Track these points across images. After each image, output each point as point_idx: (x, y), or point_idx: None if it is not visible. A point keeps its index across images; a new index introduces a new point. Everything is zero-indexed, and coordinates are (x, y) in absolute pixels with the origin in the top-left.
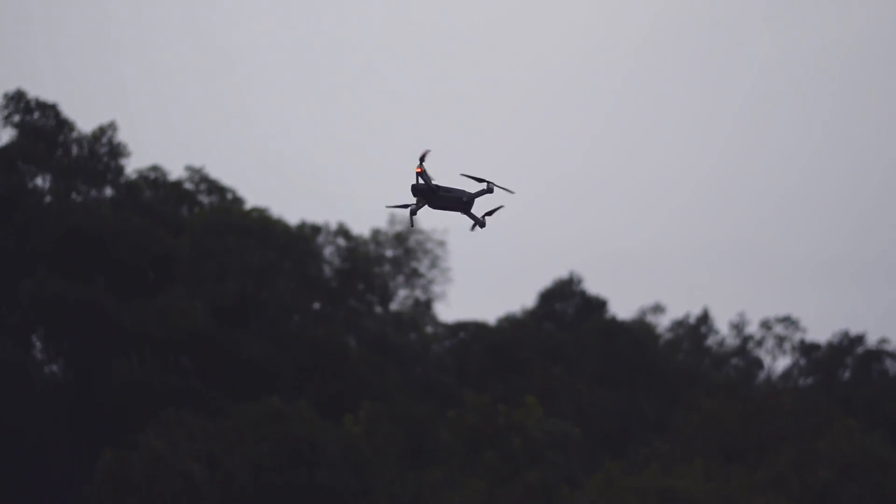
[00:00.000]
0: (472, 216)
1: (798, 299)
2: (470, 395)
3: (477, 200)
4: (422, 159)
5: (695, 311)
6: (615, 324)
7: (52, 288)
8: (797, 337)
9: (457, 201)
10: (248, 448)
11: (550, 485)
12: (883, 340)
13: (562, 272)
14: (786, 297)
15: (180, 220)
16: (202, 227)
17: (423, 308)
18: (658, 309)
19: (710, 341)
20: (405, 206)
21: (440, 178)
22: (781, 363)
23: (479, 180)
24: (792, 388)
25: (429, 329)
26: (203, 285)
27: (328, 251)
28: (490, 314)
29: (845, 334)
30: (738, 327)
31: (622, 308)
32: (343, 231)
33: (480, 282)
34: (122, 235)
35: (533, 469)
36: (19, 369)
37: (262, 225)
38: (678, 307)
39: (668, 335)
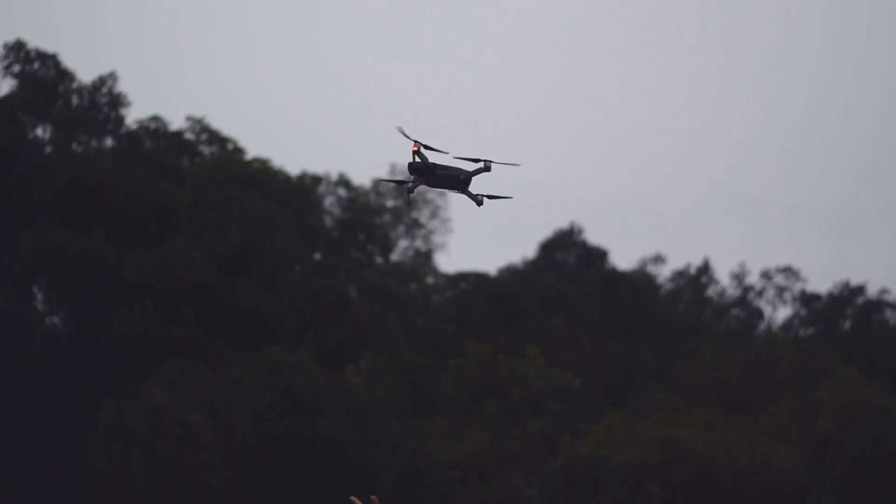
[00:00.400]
0: (470, 194)
1: (799, 250)
2: (471, 345)
3: (476, 178)
4: (416, 143)
5: (695, 262)
6: (616, 274)
7: (52, 238)
8: (798, 287)
9: (454, 179)
10: (250, 398)
11: (551, 434)
12: (884, 291)
13: (562, 223)
14: (786, 247)
15: (181, 170)
16: (203, 178)
17: (424, 259)
18: (658, 259)
19: (711, 292)
20: (401, 183)
21: (441, 143)
22: (782, 313)
23: (476, 160)
24: (792, 339)
25: (430, 280)
26: (204, 236)
27: (329, 201)
28: (491, 265)
29: (846, 285)
30: (738, 278)
31: (623, 258)
32: (344, 181)
33: (481, 233)
34: (123, 185)
35: (534, 419)
36: (20, 320)
37: (263, 175)
38: (679, 258)
39: (669, 286)
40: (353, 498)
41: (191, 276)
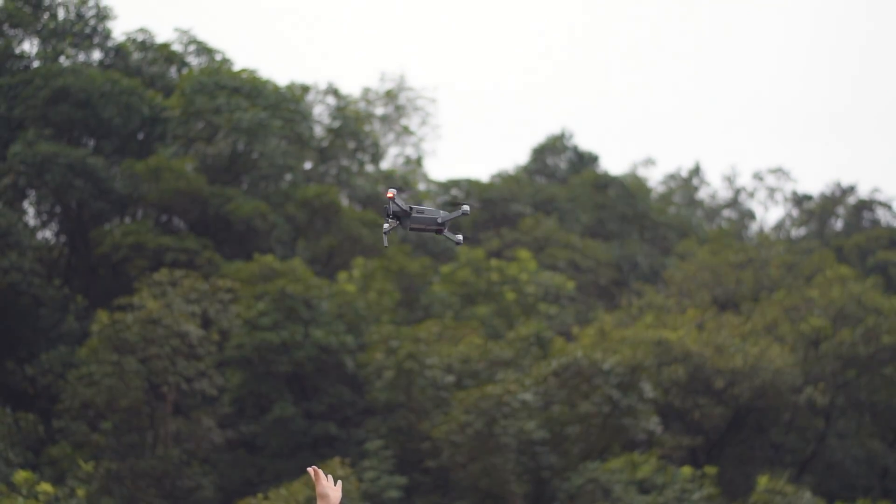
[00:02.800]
0: (448, 236)
1: (789, 151)
2: (463, 249)
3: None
4: (390, 193)
5: (686, 165)
6: (607, 177)
7: (41, 151)
8: (789, 188)
9: (431, 222)
10: (243, 306)
11: (544, 337)
12: (875, 190)
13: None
14: (777, 148)
15: (169, 81)
16: (192, 88)
17: (415, 165)
18: (649, 162)
19: (702, 194)
20: (399, 217)
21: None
22: (774, 214)
23: (454, 205)
24: (784, 238)
25: (421, 186)
26: (194, 145)
27: (318, 110)
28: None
29: (837, 185)
30: (729, 179)
31: (614, 163)
32: (333, 90)
33: (472, 140)
34: (111, 97)
35: (527, 322)
36: (11, 233)
37: (252, 85)
38: (670, 161)
39: (661, 188)
40: (312, 469)
41: (181, 185)
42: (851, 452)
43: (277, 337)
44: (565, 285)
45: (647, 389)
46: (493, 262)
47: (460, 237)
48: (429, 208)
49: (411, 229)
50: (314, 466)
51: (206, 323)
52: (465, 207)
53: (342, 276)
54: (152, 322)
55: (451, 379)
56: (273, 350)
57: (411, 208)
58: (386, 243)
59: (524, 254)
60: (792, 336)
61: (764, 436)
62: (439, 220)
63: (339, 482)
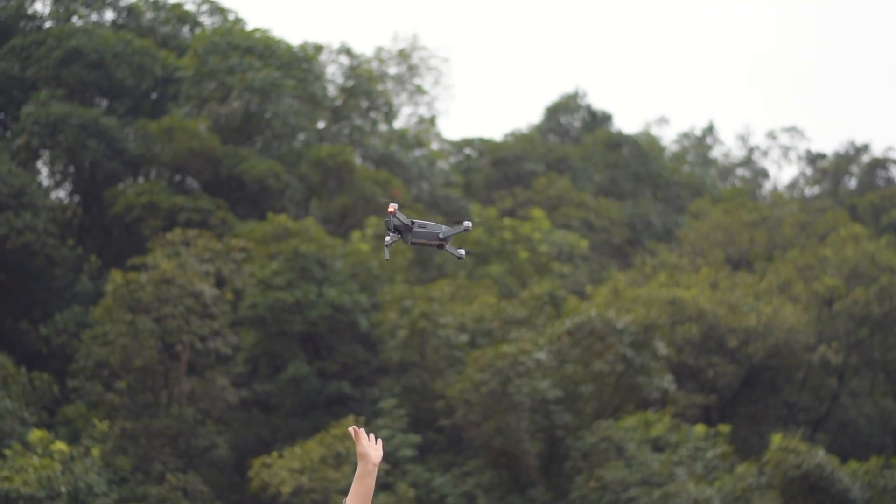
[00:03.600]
0: (450, 251)
1: (803, 110)
2: (476, 209)
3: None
4: (393, 204)
5: (700, 124)
6: (620, 136)
7: (54, 111)
8: (802, 147)
9: (433, 237)
10: (257, 266)
11: (558, 296)
12: (889, 149)
13: (567, 88)
14: (791, 107)
15: (182, 41)
16: (204, 48)
17: (428, 125)
18: (663, 121)
19: (716, 153)
20: (403, 231)
21: None
22: (787, 173)
23: (457, 223)
24: (798, 197)
25: (434, 146)
26: (207, 105)
27: (331, 70)
28: (496, 131)
29: (851, 143)
30: (743, 138)
31: (627, 122)
32: (346, 50)
33: (485, 99)
34: (124, 57)
35: (540, 281)
36: (25, 194)
37: (265, 44)
38: (683, 120)
39: (674, 147)
40: (353, 428)
41: (195, 145)
42: (865, 411)
43: (291, 296)
44: (579, 244)
45: (661, 348)
46: (507, 221)
47: (462, 252)
48: (431, 223)
49: (412, 244)
50: (355, 426)
51: (219, 282)
52: (468, 224)
53: (355, 235)
54: (166, 282)
55: (464, 338)
56: (287, 309)
57: (413, 222)
58: (387, 256)
59: (537, 213)
60: (805, 295)
61: (777, 394)
62: (441, 235)
63: (380, 441)
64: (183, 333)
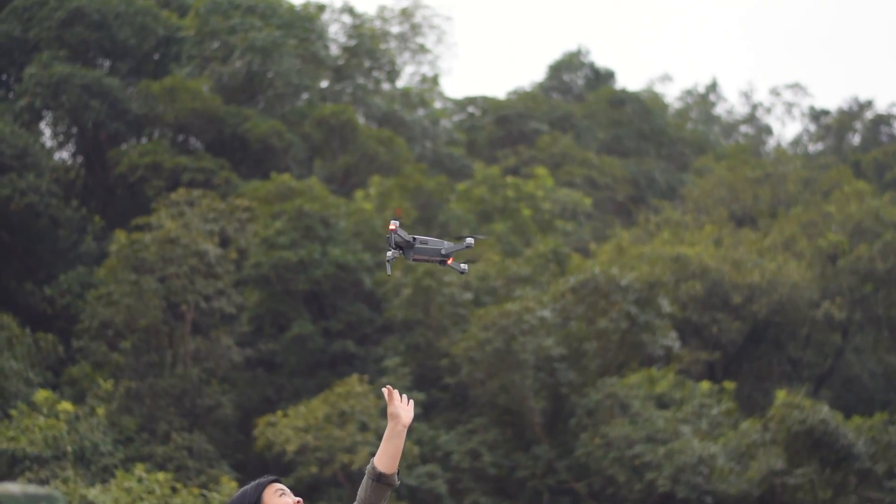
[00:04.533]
0: (452, 267)
1: (806, 66)
2: (479, 167)
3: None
4: (395, 224)
5: (703, 81)
6: (624, 94)
7: (57, 72)
8: (806, 103)
9: (434, 253)
10: (261, 225)
11: (561, 254)
12: (893, 105)
13: (570, 45)
14: (794, 64)
15: (184, 2)
16: (206, 8)
17: (431, 84)
18: (666, 79)
19: (719, 109)
20: (404, 247)
21: None
22: (791, 129)
23: (460, 239)
24: (802, 154)
25: (437, 105)
26: (209, 65)
27: (333, 29)
28: (499, 89)
29: (854, 100)
30: (746, 95)
31: (630, 79)
32: (348, 8)
33: (488, 57)
34: (126, 18)
35: (544, 239)
36: (28, 154)
37: (267, 4)
38: (686, 77)
39: (677, 104)
40: (387, 388)
41: (197, 105)
42: (869, 367)
43: (295, 255)
44: (582, 202)
45: (665, 305)
46: (510, 179)
47: (464, 266)
48: (432, 239)
49: (414, 260)
50: (389, 386)
51: (223, 242)
52: (470, 240)
53: (359, 194)
54: (170, 242)
55: (468, 296)
56: (291, 268)
57: (414, 239)
58: (389, 271)
59: (541, 171)
60: (809, 251)
61: (781, 351)
62: (443, 252)
63: (412, 402)
64: (187, 293)
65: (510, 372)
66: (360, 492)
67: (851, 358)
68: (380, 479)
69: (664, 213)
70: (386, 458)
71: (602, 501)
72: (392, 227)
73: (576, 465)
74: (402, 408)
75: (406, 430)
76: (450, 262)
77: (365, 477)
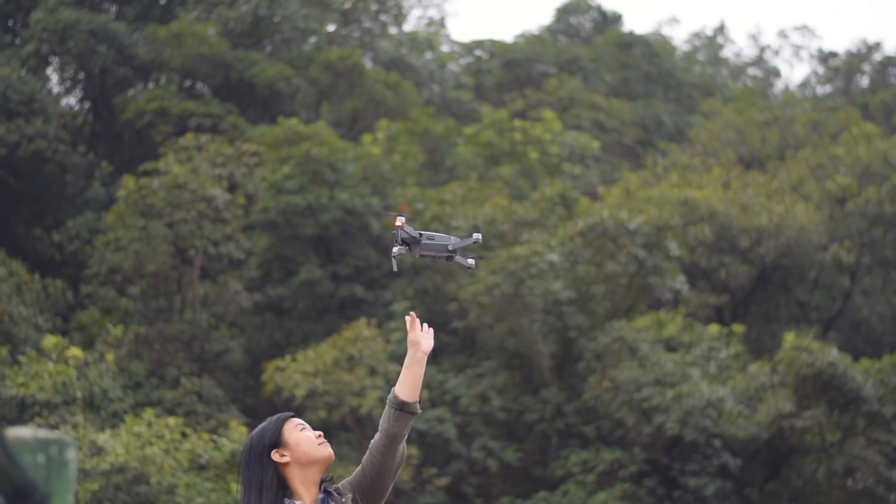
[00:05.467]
0: (459, 262)
1: (814, 8)
2: (487, 111)
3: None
4: (400, 220)
5: (711, 23)
6: (631, 36)
7: (63, 18)
8: (814, 45)
9: (441, 249)
10: (268, 170)
11: (569, 198)
12: None
13: None
14: (802, 6)
15: None
16: None
17: (438, 27)
18: (674, 21)
19: (727, 52)
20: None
21: None
22: (799, 72)
23: (467, 236)
24: (810, 96)
25: (444, 48)
26: (216, 10)
27: None
28: (506, 32)
29: (863, 42)
30: (754, 37)
31: (638, 22)
32: None
33: (495, 1)
34: None
35: (551, 182)
36: (35, 100)
37: None
38: (694, 20)
39: (685, 47)
40: (410, 315)
41: (204, 50)
42: (877, 309)
43: (303, 200)
44: (590, 145)
45: (673, 248)
46: (517, 122)
47: (472, 262)
48: (440, 234)
49: (421, 256)
50: (412, 314)
51: (231, 187)
52: (477, 235)
53: (366, 138)
54: (178, 187)
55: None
56: (299, 213)
57: (421, 234)
58: (395, 268)
59: (548, 114)
60: (817, 194)
61: (789, 294)
62: (450, 247)
63: (431, 331)
64: (195, 238)
65: (518, 316)
66: (382, 422)
67: (860, 300)
68: (402, 407)
69: (672, 156)
70: (407, 386)
71: (610, 444)
72: (398, 223)
73: (584, 408)
74: (424, 336)
75: (426, 358)
76: (456, 257)
77: (386, 407)
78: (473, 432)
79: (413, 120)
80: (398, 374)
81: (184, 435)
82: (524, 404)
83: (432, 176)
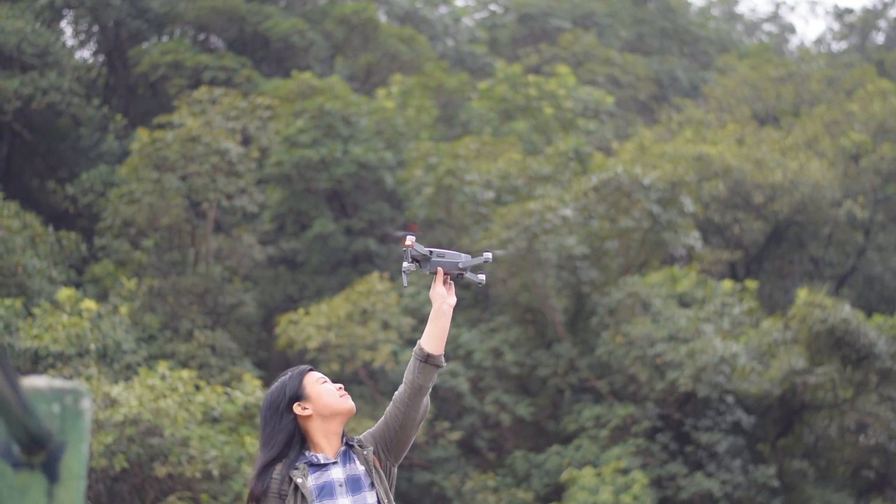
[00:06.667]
0: (470, 278)
1: None
2: (501, 65)
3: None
4: (411, 241)
5: None
6: None
7: None
8: (830, 1)
9: (452, 266)
10: (282, 124)
11: (583, 153)
12: None
13: None
14: None
15: None
16: None
17: None
18: None
19: (742, 7)
20: (403, 264)
21: None
22: (815, 28)
23: (477, 255)
24: (825, 53)
25: (459, 2)
26: None
27: None
28: None
29: None
30: None
31: None
32: None
33: None
34: None
35: (566, 137)
36: (50, 53)
37: None
38: None
39: (700, 2)
40: (408, 241)
41: (218, 3)
42: (890, 266)
43: (316, 154)
44: (604, 100)
45: (688, 204)
46: (532, 77)
47: (482, 277)
48: (449, 251)
49: (431, 273)
50: (440, 266)
51: (245, 140)
52: (488, 255)
53: (381, 92)
54: (192, 140)
55: (490, 195)
56: (312, 167)
57: (431, 252)
58: (406, 283)
59: (563, 69)
60: (832, 151)
61: (803, 250)
62: (460, 265)
63: (452, 285)
64: (209, 191)
65: (532, 271)
66: (407, 374)
67: (873, 257)
68: (427, 359)
69: (686, 112)
70: (433, 338)
71: (623, 400)
72: (408, 243)
73: (597, 363)
74: (447, 288)
75: (451, 310)
76: (466, 275)
77: (411, 359)
78: (486, 387)
79: (427, 74)
80: (411, 327)
81: (197, 388)
82: (537, 359)
83: (446, 130)
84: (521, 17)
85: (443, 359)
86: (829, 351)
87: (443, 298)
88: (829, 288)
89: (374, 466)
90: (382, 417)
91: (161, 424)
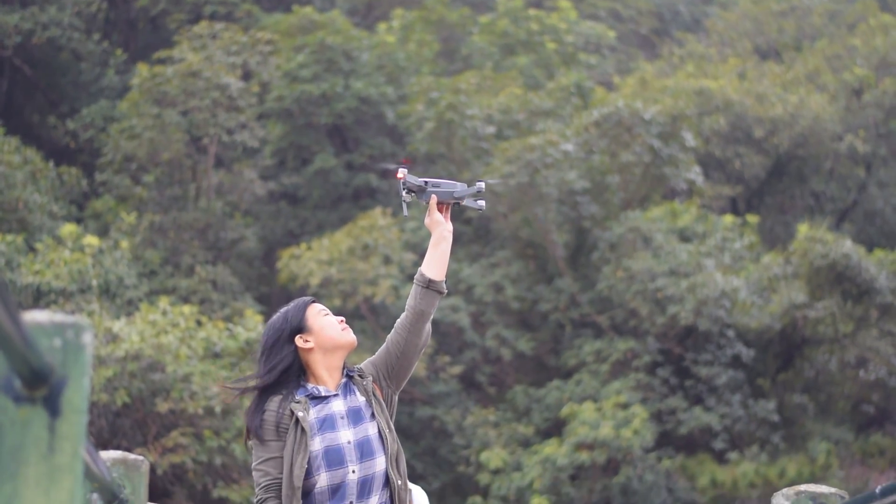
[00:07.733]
0: (468, 205)
1: None
2: (502, 0)
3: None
4: (402, 173)
5: None
6: None
7: None
8: None
9: (447, 196)
10: (283, 59)
11: (585, 87)
12: None
13: None
14: None
15: None
16: None
17: None
18: None
19: None
20: (417, 191)
21: None
22: None
23: (471, 183)
24: None
25: None
26: None
27: None
28: None
29: None
30: None
31: None
32: None
33: None
34: None
35: (567, 72)
36: None
37: None
38: None
39: None
40: (433, 197)
41: None
42: (892, 201)
43: (317, 89)
44: (606, 35)
45: (689, 139)
46: (533, 12)
47: (482, 203)
48: (444, 181)
49: (427, 203)
50: (435, 195)
51: (246, 75)
52: (481, 184)
53: (382, 27)
54: (192, 75)
55: (491, 130)
56: (313, 102)
57: (426, 182)
58: (406, 212)
59: (564, 3)
60: (834, 85)
61: (804, 184)
62: (455, 195)
63: (449, 212)
64: (210, 126)
65: (533, 205)
66: (409, 300)
67: (875, 192)
68: (429, 285)
69: (688, 46)
70: (434, 264)
71: (624, 334)
72: (400, 175)
73: (598, 298)
74: (444, 215)
75: (451, 235)
76: (464, 202)
77: (413, 286)
78: (487, 321)
79: (428, 8)
80: (412, 262)
81: (199, 323)
82: (538, 294)
83: (447, 65)
84: None
85: (444, 285)
86: (830, 286)
87: (441, 224)
88: (830, 223)
89: (375, 396)
90: (384, 345)
91: (163, 360)
